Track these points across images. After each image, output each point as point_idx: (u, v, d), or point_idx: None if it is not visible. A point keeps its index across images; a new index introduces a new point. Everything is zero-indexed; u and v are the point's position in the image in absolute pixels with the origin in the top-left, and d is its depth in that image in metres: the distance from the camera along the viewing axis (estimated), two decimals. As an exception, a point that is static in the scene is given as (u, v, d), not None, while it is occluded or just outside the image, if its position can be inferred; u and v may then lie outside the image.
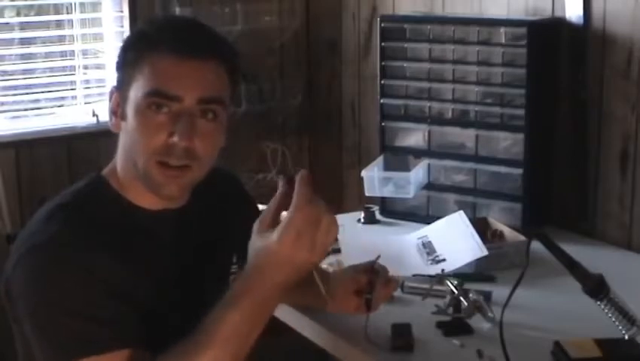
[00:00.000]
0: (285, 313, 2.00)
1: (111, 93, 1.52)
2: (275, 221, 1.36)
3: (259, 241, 1.36)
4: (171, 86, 1.42)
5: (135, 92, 1.44)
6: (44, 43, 3.05)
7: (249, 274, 1.36)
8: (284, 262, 1.33)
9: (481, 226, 2.36)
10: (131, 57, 1.47)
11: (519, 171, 2.48)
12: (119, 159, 1.51)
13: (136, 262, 1.44)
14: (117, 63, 1.51)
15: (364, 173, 2.62)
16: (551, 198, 2.62)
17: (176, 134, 1.42)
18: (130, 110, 1.45)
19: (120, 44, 1.53)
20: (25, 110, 3.04)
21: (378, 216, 2.70)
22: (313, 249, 1.33)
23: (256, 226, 1.38)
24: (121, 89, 1.48)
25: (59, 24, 3.06)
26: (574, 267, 1.63)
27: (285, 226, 1.32)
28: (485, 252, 2.18)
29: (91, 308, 1.37)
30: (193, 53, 1.43)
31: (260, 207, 2.52)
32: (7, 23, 3.03)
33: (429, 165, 2.64)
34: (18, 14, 3.08)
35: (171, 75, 1.42)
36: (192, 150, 1.43)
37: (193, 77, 1.43)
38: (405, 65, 2.66)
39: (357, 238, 2.44)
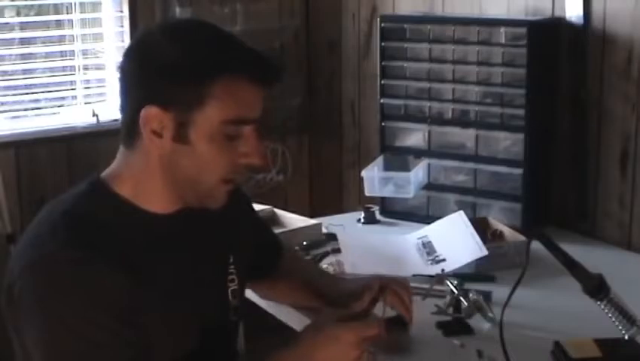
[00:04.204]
0: (285, 313, 2.00)
1: (150, 112, 1.39)
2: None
3: (321, 319, 1.50)
4: (250, 111, 1.42)
5: (209, 117, 1.39)
6: (44, 43, 3.05)
7: (299, 342, 1.46)
8: (332, 349, 1.44)
9: (481, 226, 2.36)
10: (197, 80, 1.37)
11: (519, 171, 2.48)
12: (141, 170, 1.45)
13: (143, 269, 1.41)
14: (162, 80, 1.39)
15: (364, 173, 2.62)
16: (551, 198, 2.62)
17: (251, 155, 1.44)
18: (199, 135, 1.39)
19: (160, 61, 1.39)
20: (25, 110, 3.04)
21: (378, 216, 2.70)
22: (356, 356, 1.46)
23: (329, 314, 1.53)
24: (179, 111, 1.39)
25: (59, 24, 3.06)
26: (574, 267, 1.63)
27: (360, 325, 1.47)
28: (485, 252, 2.18)
29: (93, 331, 1.34)
30: (269, 79, 1.43)
31: (259, 207, 2.53)
32: (7, 23, 3.03)
33: (429, 165, 2.64)
34: (18, 14, 3.08)
35: (249, 101, 1.42)
36: (257, 166, 1.47)
37: (261, 99, 1.44)
38: (405, 65, 2.66)
39: (357, 238, 2.44)
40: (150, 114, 1.39)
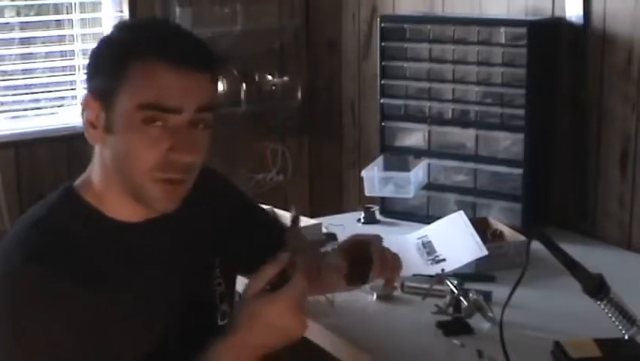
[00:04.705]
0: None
1: (86, 101, 1.41)
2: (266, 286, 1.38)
3: (253, 303, 1.36)
4: (168, 98, 1.34)
5: (125, 103, 1.35)
6: (44, 43, 3.05)
7: (236, 332, 1.37)
8: (275, 329, 1.36)
9: (481, 226, 2.36)
10: (115, 65, 1.36)
11: (519, 171, 2.48)
12: (98, 172, 1.43)
13: (113, 281, 1.38)
14: (94, 69, 1.41)
15: (364, 173, 2.62)
16: (551, 198, 2.62)
17: (178, 149, 1.36)
18: (119, 123, 1.36)
19: (95, 48, 1.42)
20: (25, 110, 3.04)
21: (378, 216, 2.70)
22: (302, 322, 1.37)
23: (249, 287, 1.38)
24: (103, 99, 1.38)
25: (59, 24, 3.06)
26: (574, 267, 1.63)
27: (286, 292, 1.35)
28: (485, 252, 2.18)
29: (54, 347, 1.31)
30: (191, 65, 1.36)
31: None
32: (7, 23, 3.02)
33: (429, 165, 2.64)
34: (18, 14, 3.08)
35: (168, 87, 1.34)
36: (190, 163, 1.39)
37: (190, 88, 1.36)
38: (405, 65, 2.66)
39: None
40: (86, 104, 1.41)
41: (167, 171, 1.37)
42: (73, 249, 1.37)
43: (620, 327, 1.62)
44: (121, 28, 1.44)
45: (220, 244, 1.60)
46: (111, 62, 1.37)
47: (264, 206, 2.56)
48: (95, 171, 1.44)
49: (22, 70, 3.03)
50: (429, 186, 2.65)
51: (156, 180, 1.37)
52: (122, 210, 1.42)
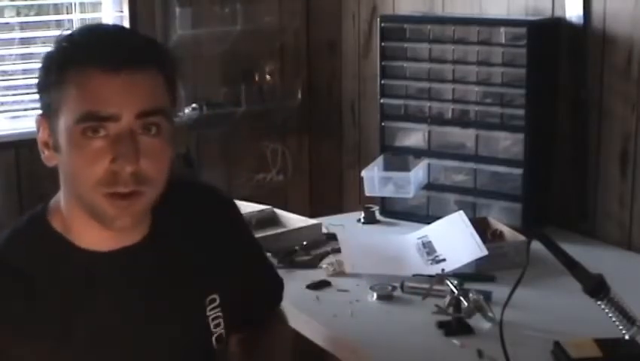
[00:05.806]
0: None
1: (39, 122, 1.32)
2: None
3: None
4: (104, 105, 1.23)
5: (66, 119, 1.26)
6: (44, 43, 3.05)
7: None
8: None
9: (481, 226, 2.36)
10: (54, 79, 1.28)
11: (519, 171, 2.48)
12: (62, 194, 1.35)
13: (71, 320, 1.30)
14: (39, 86, 1.32)
15: (364, 173, 2.62)
16: (551, 198, 2.62)
17: (120, 159, 1.24)
18: (63, 140, 1.27)
19: (40, 64, 1.34)
20: (25, 110, 3.03)
21: (378, 216, 2.70)
22: None
23: None
24: (49, 117, 1.29)
25: (59, 24, 3.06)
26: (574, 267, 1.63)
27: None
28: (485, 252, 2.18)
29: None
30: (122, 63, 1.24)
31: (259, 207, 2.53)
32: (7, 23, 3.03)
33: (429, 165, 2.64)
34: (18, 14, 3.08)
35: (101, 92, 1.24)
36: (139, 173, 1.25)
37: (128, 91, 1.24)
38: (405, 65, 2.66)
39: (357, 238, 2.44)
40: (38, 123, 1.33)
41: (113, 184, 1.26)
42: (26, 284, 1.30)
43: (620, 327, 1.62)
44: (59, 41, 1.35)
45: (215, 279, 1.43)
46: (50, 78, 1.29)
47: (264, 206, 2.57)
48: (61, 194, 1.36)
49: (22, 70, 3.03)
50: (429, 186, 2.65)
51: (106, 196, 1.26)
52: (89, 237, 1.33)
